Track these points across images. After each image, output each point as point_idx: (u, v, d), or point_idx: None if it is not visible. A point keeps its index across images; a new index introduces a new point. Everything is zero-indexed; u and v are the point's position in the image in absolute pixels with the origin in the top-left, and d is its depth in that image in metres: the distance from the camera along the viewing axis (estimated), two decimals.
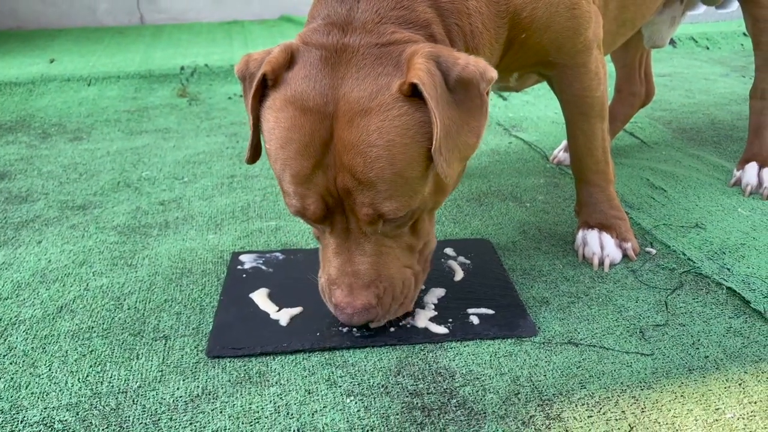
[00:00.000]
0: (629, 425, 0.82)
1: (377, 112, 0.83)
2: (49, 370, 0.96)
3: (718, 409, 0.84)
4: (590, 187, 1.24)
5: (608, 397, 0.87)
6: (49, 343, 1.02)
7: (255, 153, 0.98)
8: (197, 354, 0.98)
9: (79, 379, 0.93)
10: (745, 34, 3.22)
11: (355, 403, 0.87)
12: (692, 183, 1.53)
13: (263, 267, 1.21)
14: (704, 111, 2.11)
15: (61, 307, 1.12)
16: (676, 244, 1.25)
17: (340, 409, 0.86)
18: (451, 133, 0.84)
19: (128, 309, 1.11)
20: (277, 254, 1.26)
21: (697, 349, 0.96)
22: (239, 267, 1.22)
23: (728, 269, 1.16)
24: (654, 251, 1.24)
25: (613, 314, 1.05)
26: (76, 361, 0.97)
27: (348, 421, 0.84)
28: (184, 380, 0.92)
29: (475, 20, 0.96)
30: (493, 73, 0.86)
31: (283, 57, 0.88)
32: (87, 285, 1.19)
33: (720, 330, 1.00)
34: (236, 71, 0.96)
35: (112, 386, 0.92)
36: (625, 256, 1.21)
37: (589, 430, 0.81)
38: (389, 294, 0.94)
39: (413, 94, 0.83)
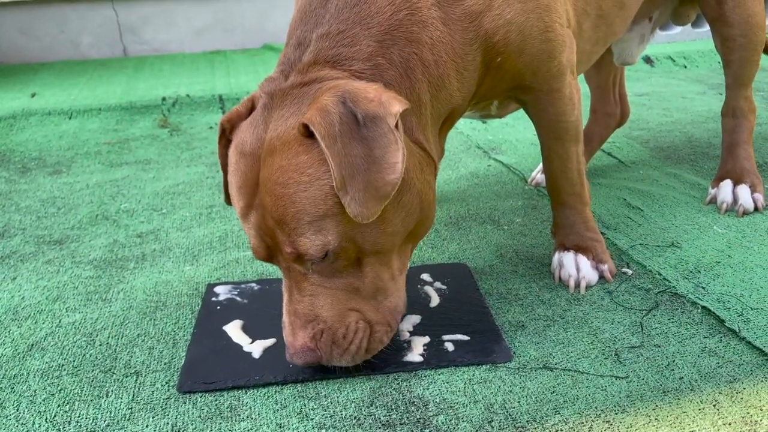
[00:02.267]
0: None
1: (280, 151, 0.87)
2: (17, 410, 0.94)
3: (692, 431, 0.83)
4: (566, 209, 1.24)
5: (582, 423, 0.86)
6: (18, 383, 1.00)
7: (227, 194, 1.02)
8: (168, 390, 0.97)
9: (46, 419, 0.92)
10: None
11: None
12: (669, 202, 1.54)
13: (238, 298, 1.20)
14: (681, 129, 2.13)
15: (32, 345, 1.10)
16: (652, 263, 1.25)
17: None
18: (359, 171, 0.82)
19: (100, 345, 1.10)
20: (253, 285, 1.25)
21: (672, 370, 0.96)
22: (214, 299, 1.21)
23: (703, 288, 1.16)
24: (630, 272, 1.24)
25: (589, 337, 1.05)
26: (44, 400, 0.96)
27: None
28: (153, 417, 0.91)
29: (438, 50, 0.96)
30: (398, 107, 0.84)
31: (244, 107, 0.96)
32: (59, 321, 1.18)
33: (695, 350, 1.00)
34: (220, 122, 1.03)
35: (80, 426, 0.90)
36: (601, 277, 1.21)
37: None
38: (328, 337, 0.92)
39: (312, 133, 0.84)
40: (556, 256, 1.24)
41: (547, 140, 1.19)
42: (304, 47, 0.94)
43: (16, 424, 0.91)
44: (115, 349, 1.08)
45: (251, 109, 0.95)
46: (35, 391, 0.98)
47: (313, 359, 0.92)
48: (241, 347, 1.05)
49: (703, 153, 1.89)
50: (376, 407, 0.91)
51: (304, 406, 0.92)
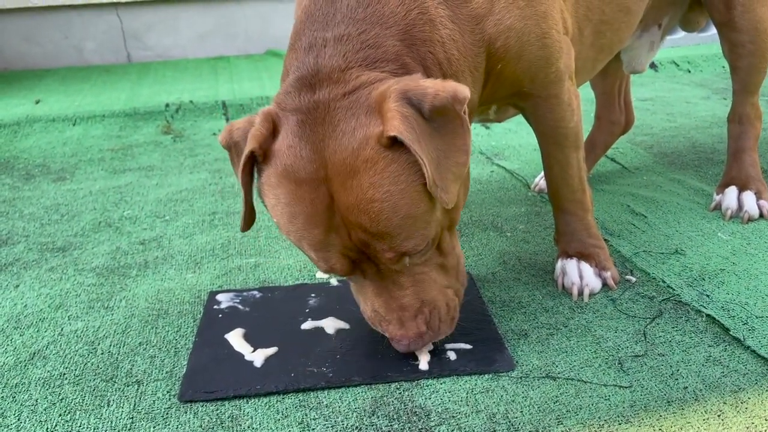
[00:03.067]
0: None
1: (365, 169, 0.85)
2: (18, 420, 0.94)
3: None
4: (568, 215, 1.24)
5: None
6: (20, 392, 1.00)
7: (249, 221, 1.01)
8: (169, 399, 0.96)
9: (47, 429, 0.92)
10: None
11: None
12: (672, 208, 1.53)
13: (240, 306, 1.20)
14: (685, 134, 2.12)
15: (34, 353, 1.10)
16: (656, 271, 1.25)
17: None
18: (441, 162, 0.85)
19: (102, 354, 1.09)
20: (255, 292, 1.25)
21: (676, 380, 0.95)
22: (215, 307, 1.20)
23: (708, 296, 1.15)
24: (634, 279, 1.23)
25: (592, 345, 1.04)
26: (45, 410, 0.95)
27: None
28: (154, 427, 0.91)
29: (450, 48, 0.97)
30: (465, 92, 0.86)
31: (266, 128, 0.90)
32: (62, 330, 1.18)
33: (699, 359, 0.99)
34: (220, 141, 0.99)
35: None
36: (604, 284, 1.21)
37: None
38: (436, 316, 0.97)
39: (394, 141, 0.84)
40: (559, 264, 1.23)
41: (547, 147, 1.18)
42: (319, 49, 0.91)
43: None
44: (117, 358, 1.08)
45: (273, 129, 0.90)
46: (36, 401, 0.98)
47: (429, 340, 0.97)
48: (243, 356, 1.04)
49: (707, 158, 1.88)
50: (378, 417, 0.90)
51: (306, 415, 0.91)
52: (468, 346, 1.03)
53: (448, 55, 0.96)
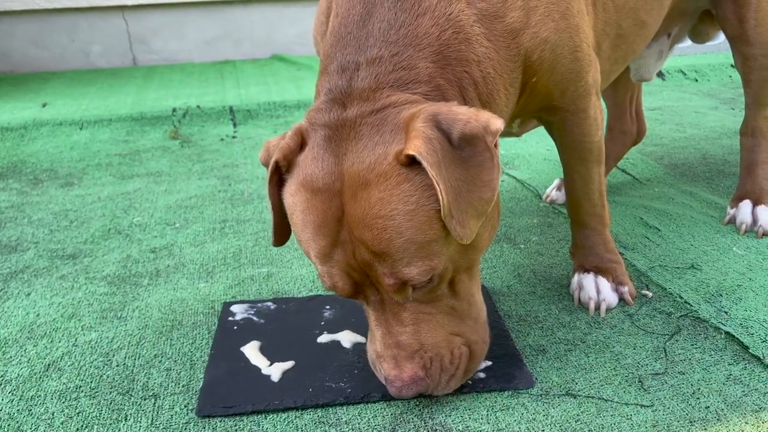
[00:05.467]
0: None
1: (376, 183, 0.83)
2: None
3: None
4: (586, 230, 1.23)
5: None
6: (35, 405, 0.99)
7: (280, 237, 1.00)
8: (187, 413, 0.96)
9: None
10: (733, 66, 3.26)
11: None
12: (686, 221, 1.52)
13: (255, 318, 1.20)
14: (695, 145, 2.12)
15: (49, 365, 1.10)
16: (672, 286, 1.24)
17: None
18: (461, 193, 0.82)
19: (117, 366, 1.09)
20: (269, 303, 1.25)
21: (698, 399, 0.94)
22: (230, 318, 1.20)
23: (726, 312, 1.14)
24: (650, 294, 1.22)
25: (611, 362, 1.03)
26: (62, 423, 0.95)
27: None
28: None
29: (486, 66, 0.95)
30: (499, 124, 0.84)
31: (294, 141, 0.90)
32: (75, 340, 1.17)
33: (720, 378, 0.98)
34: (260, 158, 0.98)
35: None
36: (621, 299, 1.20)
37: None
38: (437, 365, 0.90)
39: (413, 161, 0.82)
40: (576, 278, 1.23)
41: (571, 161, 1.18)
42: (352, 72, 0.90)
43: None
44: (132, 370, 1.07)
45: (301, 143, 0.91)
46: (53, 414, 0.97)
47: (424, 389, 0.90)
48: (260, 370, 1.04)
49: (718, 171, 1.87)
50: None
51: (325, 431, 0.91)
52: (487, 363, 1.03)
53: (484, 73, 0.95)
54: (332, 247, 0.87)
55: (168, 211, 1.80)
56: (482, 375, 1.00)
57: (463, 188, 0.83)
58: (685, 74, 3.17)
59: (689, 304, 1.18)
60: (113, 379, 1.05)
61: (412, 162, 0.82)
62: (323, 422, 0.93)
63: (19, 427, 0.94)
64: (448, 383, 0.93)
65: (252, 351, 1.09)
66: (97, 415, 0.96)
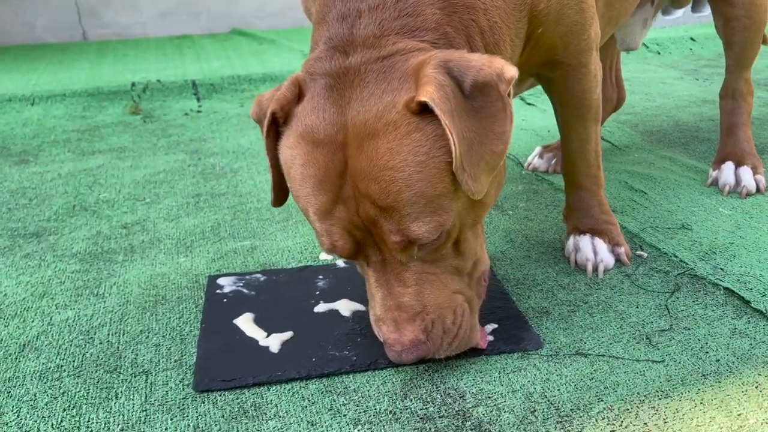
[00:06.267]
0: None
1: (384, 132, 0.78)
2: (18, 416, 0.86)
3: (740, 414, 0.81)
4: (581, 191, 1.21)
5: (627, 409, 0.83)
6: (14, 386, 0.92)
7: (280, 195, 0.94)
8: (183, 389, 0.90)
9: (52, 425, 0.84)
10: (692, 39, 3.31)
11: None
12: (670, 184, 1.53)
13: (244, 290, 1.14)
14: (667, 113, 2.14)
15: (24, 345, 1.02)
16: (666, 246, 1.24)
17: None
18: (473, 145, 0.78)
19: (100, 343, 1.02)
20: (258, 275, 1.19)
21: (707, 353, 0.94)
22: (218, 291, 1.14)
23: (722, 269, 1.15)
24: (645, 254, 1.22)
25: (616, 321, 1.02)
26: (46, 404, 0.88)
27: None
28: (172, 419, 0.84)
29: (492, 15, 0.91)
30: (513, 72, 0.80)
31: (291, 92, 0.85)
32: (51, 319, 1.09)
33: (725, 332, 0.98)
34: (251, 114, 0.92)
35: (91, 431, 0.83)
36: (617, 261, 1.19)
37: None
38: (439, 326, 0.86)
39: (423, 110, 0.77)
40: (572, 240, 1.21)
41: (569, 119, 1.15)
42: (353, 19, 0.85)
43: (18, 431, 0.83)
44: (118, 347, 1.00)
45: (299, 94, 0.85)
46: (35, 395, 0.90)
47: (425, 353, 0.85)
48: (257, 341, 0.99)
49: (692, 137, 1.89)
50: (411, 400, 0.86)
51: (334, 401, 0.87)
52: (494, 325, 1.00)
53: (491, 22, 0.91)
54: (333, 204, 0.82)
55: (136, 186, 1.71)
56: (490, 338, 0.97)
57: (475, 140, 0.79)
58: (648, 47, 3.20)
59: (685, 262, 1.18)
60: (97, 357, 0.98)
61: (422, 110, 0.78)
62: (330, 391, 0.89)
63: None
64: (450, 345, 0.88)
65: (246, 323, 1.03)
66: (84, 394, 0.90)
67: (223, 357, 0.95)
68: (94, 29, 3.75)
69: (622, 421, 0.81)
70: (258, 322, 1.04)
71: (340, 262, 1.23)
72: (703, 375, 0.89)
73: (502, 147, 0.81)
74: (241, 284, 1.16)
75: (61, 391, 0.91)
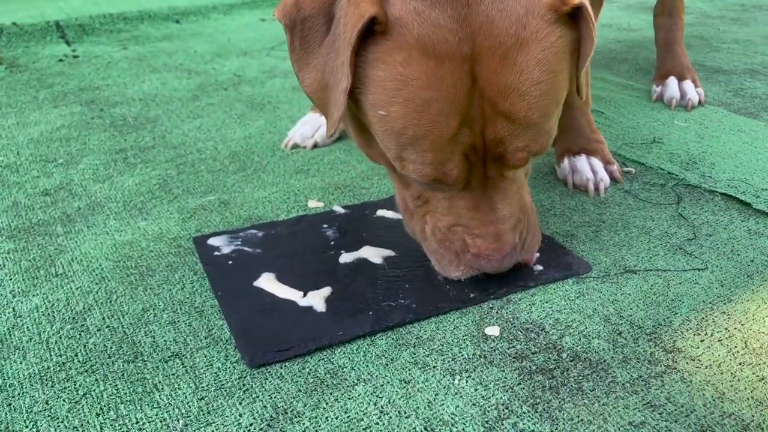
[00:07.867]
0: (743, 342, 0.79)
1: (535, 42, 0.70)
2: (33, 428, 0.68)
3: None
4: (573, 111, 1.20)
5: (703, 318, 0.84)
6: (12, 397, 0.73)
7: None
8: (233, 367, 0.77)
9: None
10: None
11: (466, 382, 0.74)
12: (620, 102, 1.57)
13: (247, 248, 1.00)
14: None
15: None
16: (648, 160, 1.27)
17: (455, 393, 0.72)
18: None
19: (98, 330, 0.84)
20: (253, 231, 1.05)
21: (739, 254, 0.97)
22: (216, 253, 0.99)
23: (710, 177, 1.19)
24: (633, 170, 1.24)
25: (644, 236, 1.03)
26: (69, 411, 0.70)
27: (475, 405, 0.71)
28: (240, 403, 0.71)
29: None
30: None
31: None
32: (14, 311, 0.88)
33: (743, 234, 1.02)
34: (282, 17, 0.75)
35: None
36: (611, 178, 1.20)
37: (713, 355, 0.77)
38: (525, 228, 0.87)
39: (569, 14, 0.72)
40: (566, 162, 1.20)
41: None
42: None
43: None
44: (125, 332, 0.83)
45: None
46: (47, 402, 0.72)
47: (518, 257, 0.86)
48: (296, 303, 0.86)
49: (611, 57, 1.96)
50: (494, 340, 0.80)
51: (414, 353, 0.78)
52: (536, 254, 0.96)
53: None
54: (459, 128, 0.72)
55: (37, 145, 1.44)
56: (540, 267, 0.93)
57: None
58: None
59: (674, 174, 1.21)
60: (104, 346, 0.81)
61: (569, 16, 0.73)
62: (404, 344, 0.80)
63: (7, 427, 0.69)
64: (531, 243, 0.88)
65: (271, 284, 0.90)
66: (113, 392, 0.73)
67: (264, 325, 0.82)
68: None
69: (706, 330, 0.81)
70: (283, 281, 0.91)
71: (338, 208, 1.12)
72: (748, 276, 0.92)
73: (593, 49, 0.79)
74: (239, 242, 1.01)
75: (80, 392, 0.73)
